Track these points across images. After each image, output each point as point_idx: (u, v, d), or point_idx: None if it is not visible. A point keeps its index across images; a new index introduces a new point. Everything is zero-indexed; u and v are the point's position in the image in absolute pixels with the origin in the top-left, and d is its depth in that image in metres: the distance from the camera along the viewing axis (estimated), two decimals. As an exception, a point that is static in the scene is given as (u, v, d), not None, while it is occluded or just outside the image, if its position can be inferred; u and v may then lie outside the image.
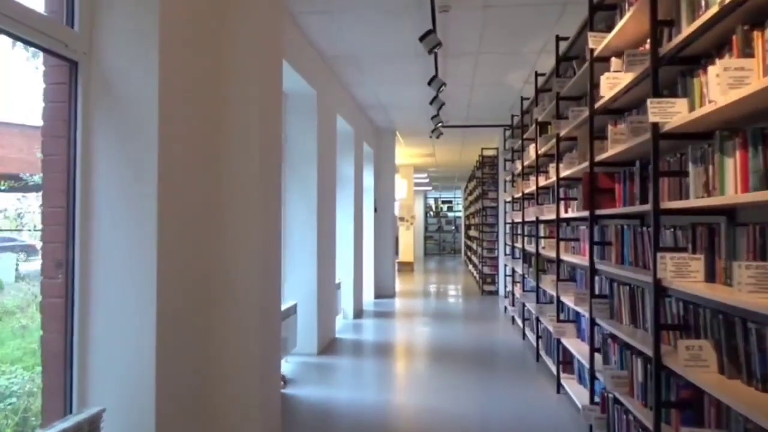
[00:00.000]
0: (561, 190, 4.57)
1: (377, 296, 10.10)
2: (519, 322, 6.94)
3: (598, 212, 3.44)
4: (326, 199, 6.14)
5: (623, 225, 3.25)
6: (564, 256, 4.39)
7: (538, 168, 5.53)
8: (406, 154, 13.45)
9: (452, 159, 14.36)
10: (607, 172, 3.44)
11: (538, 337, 5.48)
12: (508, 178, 8.29)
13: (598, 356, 3.49)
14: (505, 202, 8.53)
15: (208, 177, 2.92)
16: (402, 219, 16.56)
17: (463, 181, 20.97)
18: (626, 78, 2.87)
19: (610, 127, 3.14)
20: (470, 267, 15.64)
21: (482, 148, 10.82)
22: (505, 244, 8.57)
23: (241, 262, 3.00)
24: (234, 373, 2.96)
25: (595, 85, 3.43)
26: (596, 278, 3.63)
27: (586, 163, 3.53)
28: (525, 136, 6.39)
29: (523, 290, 6.48)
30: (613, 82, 3.03)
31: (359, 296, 8.40)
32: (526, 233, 6.56)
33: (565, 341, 4.29)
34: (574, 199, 4.35)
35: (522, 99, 6.71)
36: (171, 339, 2.53)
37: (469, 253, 16.68)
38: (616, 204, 3.29)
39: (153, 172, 2.41)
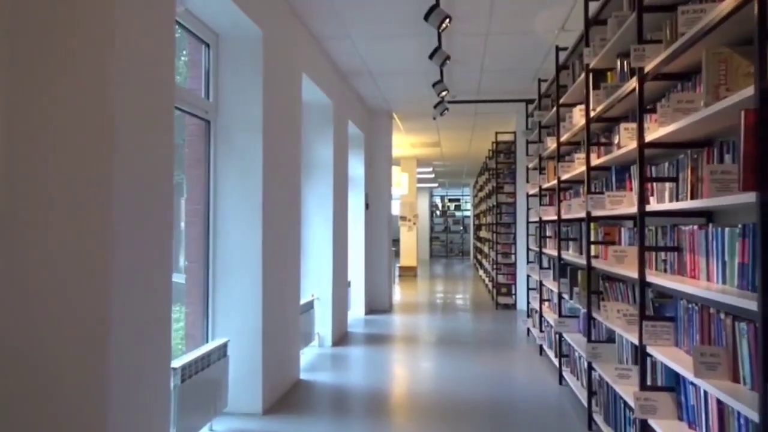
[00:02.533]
0: (649, 168, 2.76)
1: (369, 311, 8.31)
2: (551, 355, 5.13)
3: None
4: (282, 191, 4.37)
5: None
6: (653, 277, 2.58)
7: (589, 140, 3.72)
8: (407, 143, 11.66)
9: (460, 149, 12.54)
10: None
11: (590, 393, 3.67)
12: (531, 164, 6.48)
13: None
14: (528, 196, 6.73)
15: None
16: (404, 218, 14.77)
17: (472, 177, 19.14)
18: None
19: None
20: (480, 272, 13.82)
21: (496, 133, 9.01)
22: (528, 248, 6.76)
23: None
24: None
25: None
26: (737, 324, 1.85)
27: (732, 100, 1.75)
28: (563, 101, 4.58)
29: (560, 315, 4.68)
30: None
31: (341, 315, 6.61)
32: (564, 236, 4.75)
33: (656, 423, 2.49)
34: (673, 180, 2.55)
35: (558, 50, 4.89)
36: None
37: (479, 257, 14.86)
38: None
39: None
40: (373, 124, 8.65)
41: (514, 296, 8.78)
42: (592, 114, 3.62)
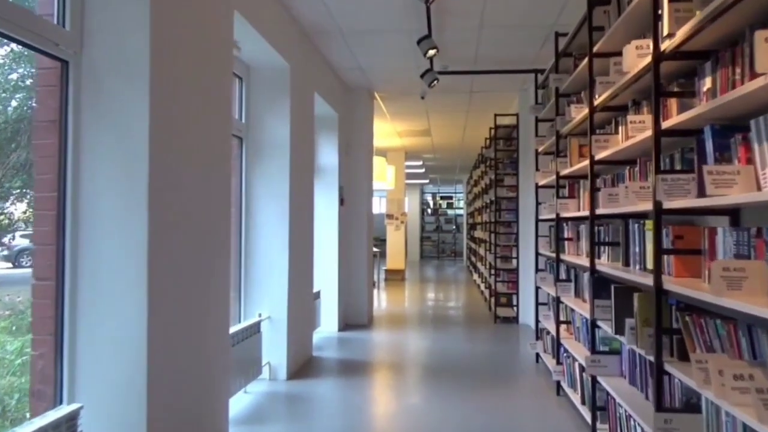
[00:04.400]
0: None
1: (345, 326, 6.96)
2: (574, 400, 3.80)
3: None
4: (203, 179, 3.01)
5: None
6: None
7: (658, 88, 2.38)
8: (392, 131, 10.31)
9: (453, 138, 11.20)
10: None
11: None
12: (543, 148, 5.15)
13: None
14: (537, 188, 5.39)
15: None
16: (390, 217, 13.42)
17: (466, 172, 17.83)
18: None
19: None
20: (475, 276, 12.49)
21: (495, 115, 7.67)
22: (536, 252, 5.43)
23: None
24: None
25: None
26: None
27: None
28: (599, 48, 3.24)
29: (593, 349, 3.33)
30: None
31: (303, 337, 5.25)
32: (598, 239, 3.42)
33: None
34: None
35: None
36: None
37: (473, 259, 13.54)
38: None
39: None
40: (349, 104, 7.29)
41: (516, 308, 7.45)
42: (665, 46, 2.28)
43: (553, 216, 4.55)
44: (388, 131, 10.29)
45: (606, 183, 3.49)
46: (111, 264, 2.45)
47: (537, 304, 5.35)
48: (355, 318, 7.20)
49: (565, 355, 4.20)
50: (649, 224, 2.62)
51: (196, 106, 2.96)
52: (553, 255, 4.58)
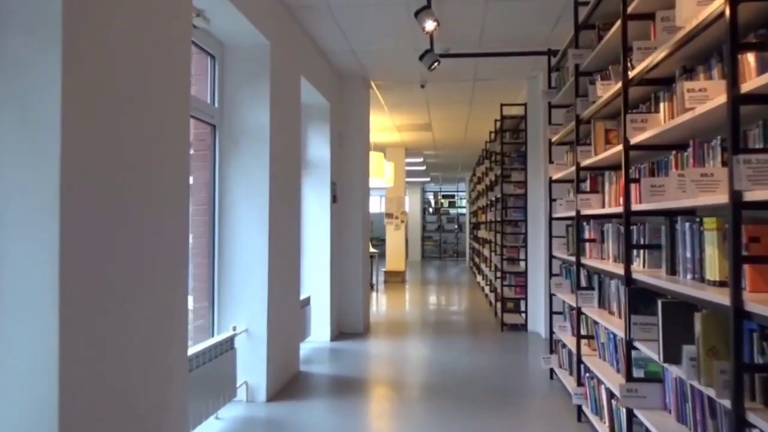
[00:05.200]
0: None
1: (338, 335, 6.38)
2: (600, 431, 3.21)
3: None
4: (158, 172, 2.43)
5: None
6: None
7: (735, 40, 1.78)
8: (391, 125, 9.72)
9: (455, 133, 10.61)
10: None
11: None
12: (558, 137, 4.56)
13: None
14: (551, 182, 4.80)
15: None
16: (390, 216, 12.83)
17: (468, 170, 17.24)
18: None
19: None
20: (478, 278, 11.91)
21: (501, 105, 7.07)
22: (550, 255, 4.83)
23: None
24: None
25: None
26: None
27: None
28: (634, 7, 2.65)
29: (628, 375, 2.73)
30: None
31: (288, 351, 4.66)
32: (634, 241, 2.83)
33: None
34: None
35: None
36: None
37: (476, 259, 12.95)
38: None
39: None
40: (343, 93, 6.71)
41: (524, 314, 6.86)
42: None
43: (572, 214, 3.96)
44: (386, 125, 9.71)
45: (640, 174, 2.90)
46: (12, 276, 1.87)
47: (550, 313, 4.76)
48: (349, 326, 6.61)
49: (587, 375, 3.61)
50: (710, 222, 2.03)
51: (137, 81, 2.37)
52: (572, 258, 3.99)
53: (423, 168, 16.00)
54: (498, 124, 7.68)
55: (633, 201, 2.74)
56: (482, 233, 10.92)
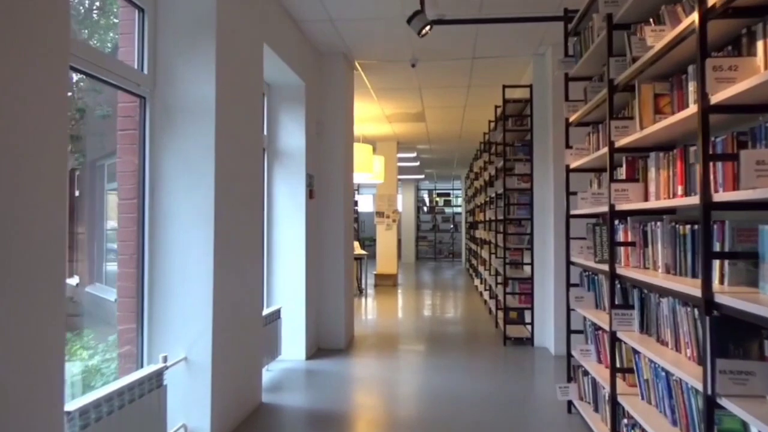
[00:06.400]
0: None
1: (316, 352, 5.51)
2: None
3: None
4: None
5: None
6: None
7: None
8: (380, 115, 8.85)
9: (451, 124, 9.74)
10: None
11: None
12: (574, 116, 3.70)
13: None
14: (568, 172, 3.92)
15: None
16: (380, 215, 11.95)
17: (464, 167, 16.40)
18: None
19: None
20: (476, 282, 11.05)
21: (504, 87, 6.19)
22: (568, 261, 3.95)
23: None
24: None
25: None
26: None
27: None
28: None
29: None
30: None
31: (242, 381, 3.77)
32: (714, 247, 1.95)
33: None
34: None
35: None
36: None
37: (473, 261, 12.09)
38: None
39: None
40: (322, 73, 5.83)
41: (530, 327, 5.99)
42: None
43: (600, 210, 3.11)
44: (375, 114, 8.83)
45: (715, 149, 2.04)
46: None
47: (568, 332, 3.89)
48: (329, 341, 5.74)
49: (628, 423, 2.75)
50: None
51: None
52: (601, 267, 3.13)
53: (417, 164, 15.13)
54: (500, 110, 6.82)
55: (712, 188, 1.88)
56: (480, 233, 10.05)
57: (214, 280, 3.19)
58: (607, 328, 2.94)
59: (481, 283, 9.98)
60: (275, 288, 5.22)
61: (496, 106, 7.05)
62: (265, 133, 5.19)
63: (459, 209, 20.64)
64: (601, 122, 3.41)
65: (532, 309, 5.93)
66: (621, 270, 2.84)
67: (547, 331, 5.73)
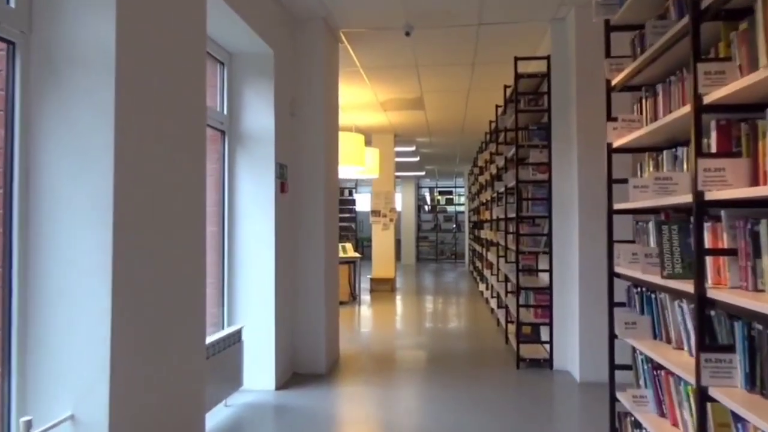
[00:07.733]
0: None
1: (290, 378, 4.55)
2: None
3: None
4: None
5: None
6: None
7: None
8: (373, 101, 7.87)
9: (453, 112, 8.76)
10: None
11: None
12: (619, 77, 2.73)
13: None
14: (610, 152, 2.94)
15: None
16: (377, 214, 10.98)
17: (467, 163, 15.41)
18: None
19: None
20: (481, 287, 10.08)
21: (516, 59, 5.20)
22: (611, 273, 2.96)
23: None
24: None
25: None
26: None
27: None
28: None
29: None
30: None
31: (178, 433, 2.80)
32: None
33: None
34: None
35: None
36: None
37: (478, 264, 11.11)
38: None
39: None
40: (297, 43, 4.86)
41: (548, 346, 5.01)
42: None
43: (669, 201, 2.14)
44: (368, 101, 7.86)
45: None
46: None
47: (612, 366, 2.91)
48: (307, 364, 4.77)
49: None
50: None
51: None
52: (673, 284, 2.15)
53: (416, 159, 14.16)
54: (509, 90, 5.84)
55: None
56: (486, 233, 9.07)
57: (113, 303, 2.22)
58: (685, 376, 1.97)
59: (487, 288, 9.00)
60: (237, 303, 4.25)
61: (506, 86, 6.07)
62: (225, 112, 4.23)
63: (462, 208, 19.69)
64: (663, 81, 2.43)
65: (550, 325, 4.95)
66: (714, 292, 1.86)
67: (570, 351, 4.76)
